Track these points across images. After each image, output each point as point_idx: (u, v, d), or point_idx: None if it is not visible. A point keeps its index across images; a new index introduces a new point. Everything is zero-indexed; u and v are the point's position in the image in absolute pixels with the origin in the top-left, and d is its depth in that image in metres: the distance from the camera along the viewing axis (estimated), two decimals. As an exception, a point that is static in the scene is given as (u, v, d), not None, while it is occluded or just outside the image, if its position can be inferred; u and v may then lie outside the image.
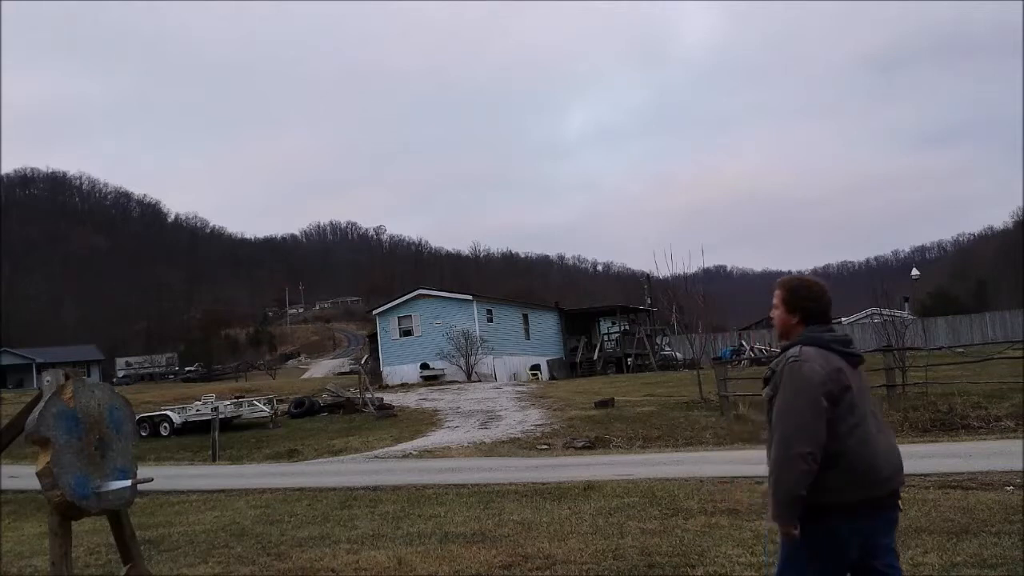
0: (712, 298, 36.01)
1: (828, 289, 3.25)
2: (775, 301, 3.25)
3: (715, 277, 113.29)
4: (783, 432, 2.98)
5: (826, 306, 3.21)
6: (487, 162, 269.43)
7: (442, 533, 7.38)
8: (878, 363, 18.05)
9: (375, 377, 36.08)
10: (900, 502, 3.23)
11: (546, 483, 10.30)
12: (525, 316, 41.76)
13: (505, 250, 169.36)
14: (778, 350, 3.31)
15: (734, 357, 33.50)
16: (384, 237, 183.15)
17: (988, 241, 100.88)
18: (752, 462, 11.85)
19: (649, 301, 48.54)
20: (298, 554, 6.82)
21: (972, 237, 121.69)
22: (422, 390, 30.80)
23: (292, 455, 18.68)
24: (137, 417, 19.68)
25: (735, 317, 72.99)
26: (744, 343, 42.48)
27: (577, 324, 44.84)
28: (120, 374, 76.48)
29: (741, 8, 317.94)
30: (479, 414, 22.22)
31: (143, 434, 23.38)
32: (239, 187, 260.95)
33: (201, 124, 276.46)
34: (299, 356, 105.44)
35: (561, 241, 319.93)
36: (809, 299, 3.19)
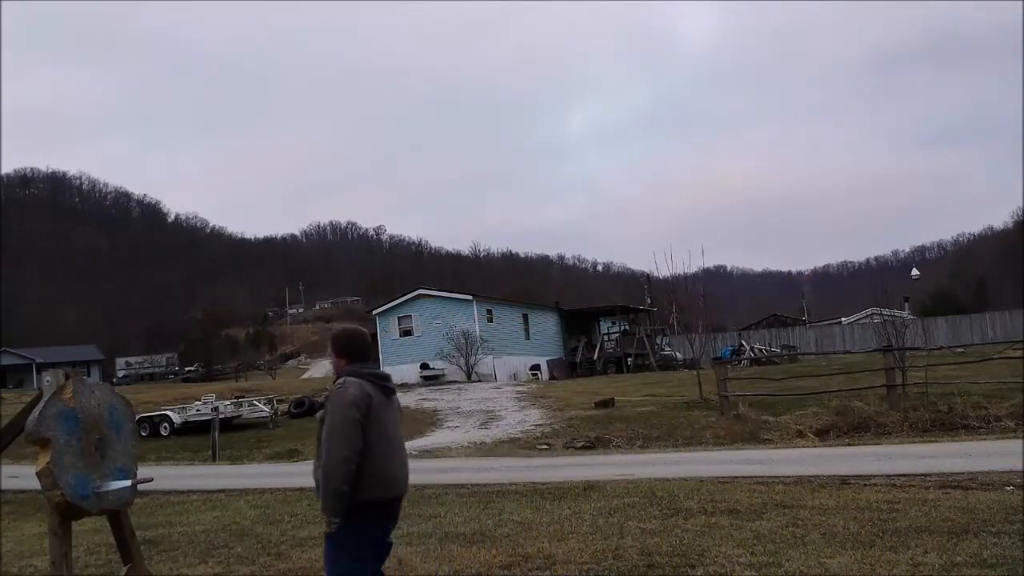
0: (712, 298, 36.03)
1: (365, 334, 4.21)
2: (329, 350, 4.21)
3: (715, 277, 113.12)
4: (330, 441, 3.74)
5: (364, 348, 4.12)
6: (487, 162, 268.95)
7: (442, 533, 7.38)
8: (878, 363, 18.06)
9: (375, 377, 36.01)
10: (402, 505, 4.13)
11: (546, 483, 10.31)
12: (525, 316, 41.75)
13: (505, 250, 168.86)
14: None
15: (734, 357, 33.50)
16: (384, 237, 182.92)
17: (988, 241, 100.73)
18: (752, 462, 11.86)
19: (649, 301, 48.55)
20: (298, 554, 6.82)
21: (972, 237, 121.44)
22: (422, 390, 30.79)
23: (292, 455, 18.68)
24: (137, 417, 19.65)
25: (735, 317, 73.06)
26: (744, 343, 42.47)
27: (577, 324, 44.82)
28: (120, 374, 76.47)
29: (741, 8, 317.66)
30: (479, 414, 22.22)
31: (143, 434, 23.37)
32: (239, 187, 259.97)
33: (201, 124, 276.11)
34: (299, 356, 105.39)
35: (561, 241, 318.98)
36: (350, 345, 4.09)
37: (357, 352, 4.08)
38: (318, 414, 3.97)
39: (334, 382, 4.01)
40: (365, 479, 3.76)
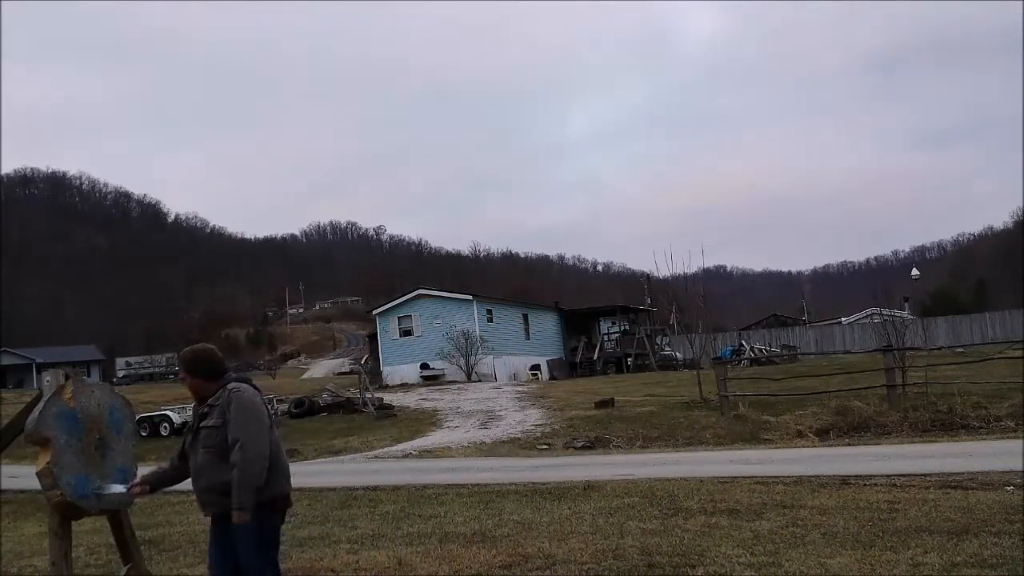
0: (712, 298, 36.00)
1: (216, 351, 4.33)
2: (182, 374, 4.21)
3: (715, 277, 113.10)
4: (247, 439, 3.94)
5: (219, 360, 4.24)
6: (487, 162, 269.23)
7: (442, 533, 7.38)
8: (878, 363, 18.06)
9: (375, 377, 36.06)
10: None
11: (546, 483, 10.30)
12: (525, 316, 41.74)
13: (505, 250, 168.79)
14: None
15: (734, 357, 33.50)
16: (384, 237, 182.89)
17: (988, 241, 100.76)
18: (752, 462, 11.86)
19: (649, 301, 48.53)
20: (298, 554, 6.81)
21: (972, 237, 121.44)
22: (422, 390, 30.79)
23: (292, 455, 18.65)
24: (137, 417, 19.67)
25: (735, 317, 73.04)
26: (744, 343, 42.47)
27: (577, 324, 44.82)
28: (120, 374, 76.40)
29: (741, 8, 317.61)
30: (479, 414, 22.22)
31: (143, 434, 23.38)
32: (239, 187, 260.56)
33: (201, 124, 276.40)
34: (299, 356, 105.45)
35: (561, 241, 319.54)
36: (204, 361, 4.19)
37: (215, 367, 4.20)
38: (212, 422, 4.05)
39: (212, 394, 4.10)
40: (276, 475, 4.09)
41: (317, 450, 18.84)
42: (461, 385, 31.93)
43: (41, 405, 4.42)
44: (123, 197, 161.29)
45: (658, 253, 65.23)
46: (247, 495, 3.92)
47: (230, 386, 4.10)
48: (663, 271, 27.91)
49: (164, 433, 24.66)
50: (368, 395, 26.14)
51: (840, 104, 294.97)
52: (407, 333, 38.67)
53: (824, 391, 17.95)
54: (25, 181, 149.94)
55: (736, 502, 8.03)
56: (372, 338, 44.52)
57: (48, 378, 4.54)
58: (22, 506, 11.33)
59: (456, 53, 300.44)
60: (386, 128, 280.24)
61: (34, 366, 64.80)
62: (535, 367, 38.79)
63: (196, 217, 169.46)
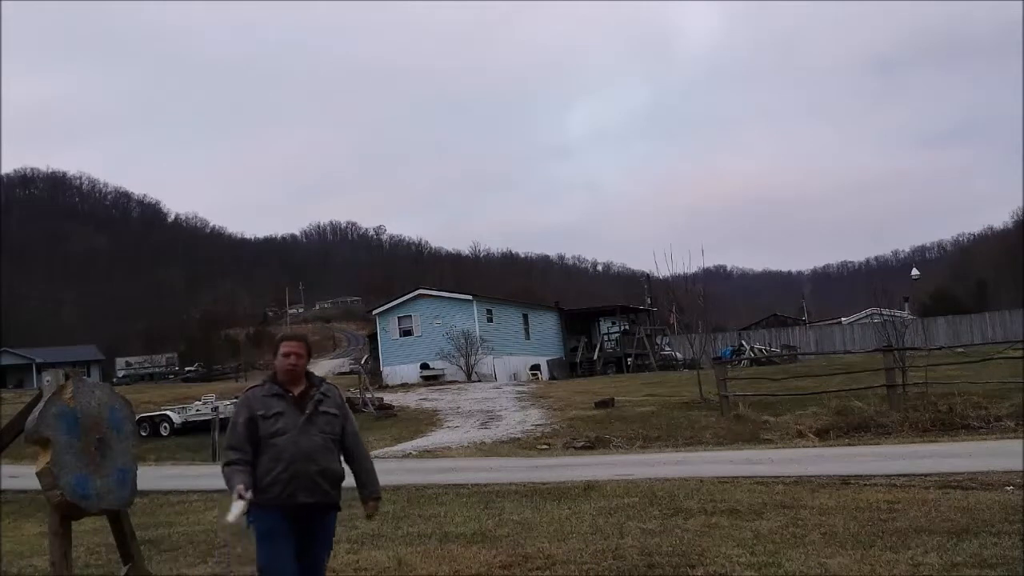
0: (712, 298, 36.03)
1: None
2: (301, 351, 4.16)
3: (715, 277, 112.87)
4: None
5: None
6: (487, 162, 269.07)
7: (442, 533, 7.38)
8: (878, 363, 18.05)
9: (375, 377, 36.03)
10: None
11: (546, 483, 10.30)
12: (525, 316, 41.73)
13: (505, 250, 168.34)
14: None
15: (734, 357, 33.48)
16: (384, 237, 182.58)
17: (988, 241, 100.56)
18: (752, 462, 11.86)
19: (649, 301, 48.52)
20: (298, 554, 6.81)
21: (972, 237, 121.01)
22: (422, 390, 30.77)
23: (292, 455, 18.67)
24: (137, 417, 19.63)
25: (735, 317, 73.03)
26: (744, 343, 42.45)
27: (577, 324, 44.79)
28: (120, 374, 76.35)
29: (741, 8, 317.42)
30: (479, 414, 22.21)
31: (143, 434, 23.34)
32: (239, 187, 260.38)
33: (201, 124, 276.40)
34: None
35: (561, 241, 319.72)
36: (311, 352, 4.34)
37: None
38: (330, 410, 4.15)
39: (321, 382, 4.27)
40: None
41: (317, 450, 18.83)
42: (461, 385, 31.91)
43: (41, 405, 4.42)
44: (123, 197, 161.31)
45: (658, 253, 65.45)
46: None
47: (331, 383, 4.34)
48: (663, 271, 27.97)
49: (164, 433, 24.63)
50: (368, 395, 26.12)
51: (840, 104, 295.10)
52: (407, 333, 38.65)
53: (824, 391, 17.95)
54: (25, 181, 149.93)
55: (736, 502, 8.03)
56: (372, 338, 44.50)
57: (48, 378, 4.55)
58: (22, 506, 11.33)
59: (457, 53, 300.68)
60: (386, 128, 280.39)
61: (34, 366, 64.72)
62: (535, 367, 38.77)
63: (196, 217, 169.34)
